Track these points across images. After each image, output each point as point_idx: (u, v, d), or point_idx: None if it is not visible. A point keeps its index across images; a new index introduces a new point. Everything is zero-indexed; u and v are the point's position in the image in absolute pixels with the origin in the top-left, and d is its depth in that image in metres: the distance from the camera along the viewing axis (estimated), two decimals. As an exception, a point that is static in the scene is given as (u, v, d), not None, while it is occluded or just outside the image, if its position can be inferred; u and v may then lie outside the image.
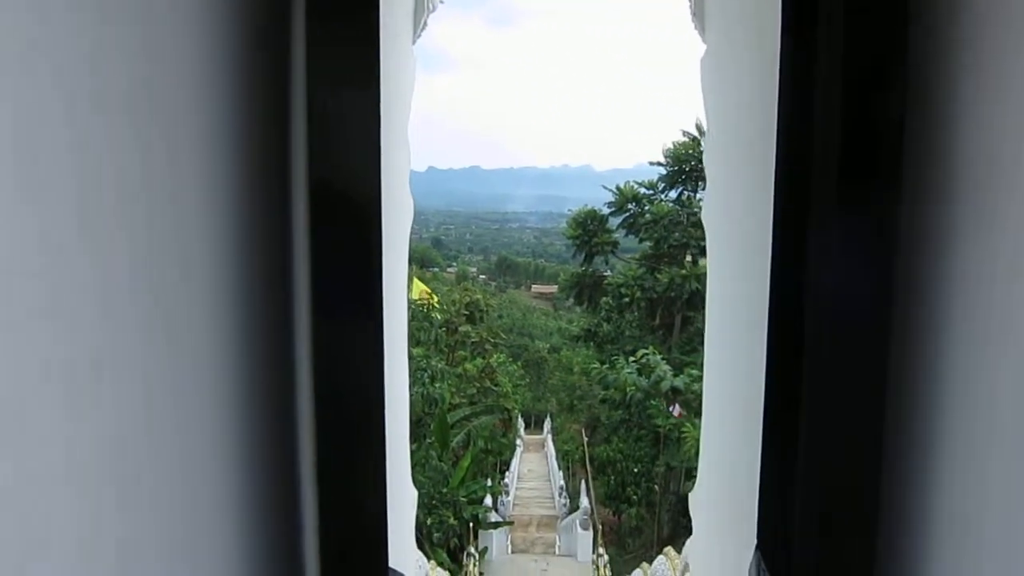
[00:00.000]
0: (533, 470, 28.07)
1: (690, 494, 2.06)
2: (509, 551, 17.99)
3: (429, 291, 11.46)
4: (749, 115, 1.66)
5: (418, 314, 8.86)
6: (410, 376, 9.21)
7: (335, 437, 1.13)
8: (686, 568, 4.53)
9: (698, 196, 22.88)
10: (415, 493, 2.10)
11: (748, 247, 1.60)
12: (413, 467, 10.59)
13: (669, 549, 5.98)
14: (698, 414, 14.52)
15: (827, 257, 1.03)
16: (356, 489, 1.16)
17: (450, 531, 10.36)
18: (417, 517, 9.89)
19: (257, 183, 1.15)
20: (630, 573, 16.29)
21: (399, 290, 1.88)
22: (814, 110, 1.04)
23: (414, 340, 8.76)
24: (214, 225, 1.01)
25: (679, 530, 17.66)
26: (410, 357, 9.59)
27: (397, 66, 1.82)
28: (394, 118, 1.78)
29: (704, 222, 1.95)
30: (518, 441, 26.31)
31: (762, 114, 1.56)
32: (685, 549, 4.69)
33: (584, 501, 18.68)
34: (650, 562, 16.64)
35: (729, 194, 1.78)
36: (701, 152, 22.39)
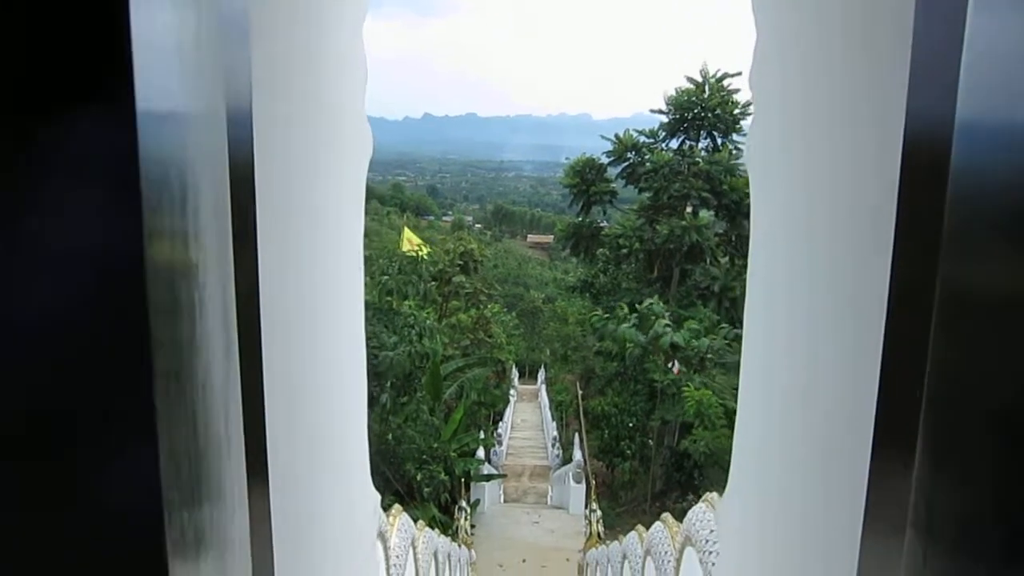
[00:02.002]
0: (527, 420, 28.23)
1: (718, 504, 1.71)
2: (502, 500, 18.08)
3: (418, 242, 10.94)
4: (822, 14, 1.22)
5: (405, 267, 8.43)
6: (397, 333, 8.87)
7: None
8: (687, 541, 4.23)
9: (700, 145, 22.21)
10: (377, 497, 1.74)
11: (819, 196, 1.18)
12: (404, 421, 10.38)
13: (667, 516, 5.70)
14: (698, 371, 14.26)
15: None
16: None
17: (440, 486, 10.17)
18: (408, 472, 9.67)
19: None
20: (622, 526, 16.37)
21: (350, 247, 1.45)
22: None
23: (401, 295, 8.36)
24: None
25: (672, 484, 17.66)
26: (397, 313, 9.24)
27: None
28: (336, 13, 1.32)
29: (748, 164, 1.51)
30: (512, 391, 26.31)
31: (844, 9, 1.12)
32: (686, 521, 4.36)
33: (577, 454, 18.67)
34: (643, 518, 16.75)
35: (787, 125, 1.34)
36: (705, 99, 21.68)
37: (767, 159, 1.44)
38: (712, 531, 3.73)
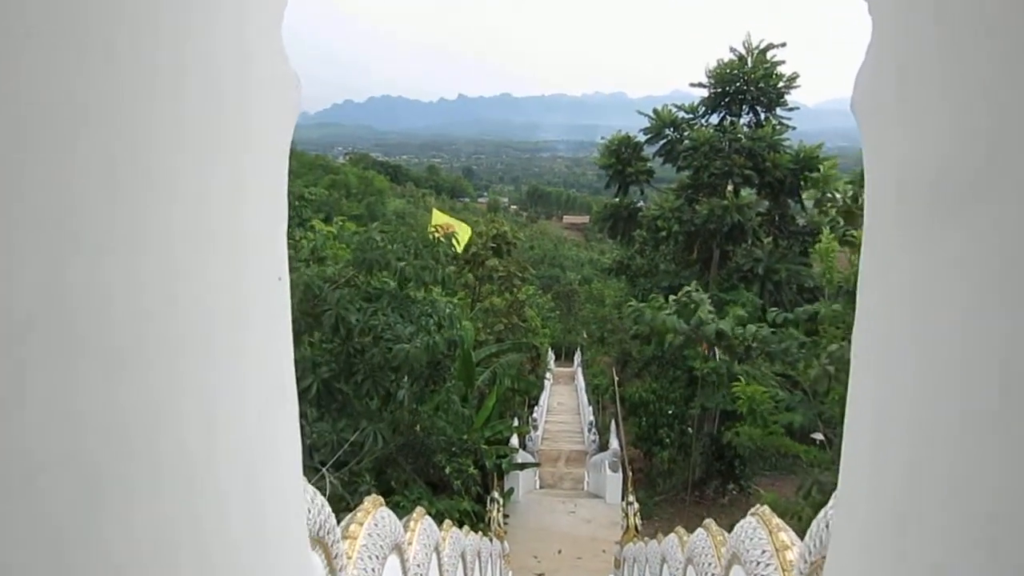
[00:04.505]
0: (563, 403, 27.97)
1: (831, 519, 1.27)
2: (537, 487, 17.80)
3: (446, 221, 10.36)
4: None
5: (422, 252, 7.92)
6: (414, 323, 8.48)
7: None
8: (734, 559, 3.76)
9: (742, 121, 21.28)
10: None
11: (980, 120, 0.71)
12: (435, 411, 10.06)
13: (710, 523, 5.26)
14: (742, 360, 13.60)
15: None
16: None
17: (471, 479, 9.84)
18: (438, 463, 9.32)
19: None
20: (660, 515, 15.94)
21: (265, 243, 1.02)
22: None
23: (419, 281, 7.92)
24: None
25: (712, 473, 17.11)
26: (413, 301, 8.83)
27: None
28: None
29: (857, 106, 1.04)
30: (547, 374, 25.95)
31: None
32: (733, 536, 3.90)
33: (614, 440, 18.25)
34: (682, 507, 16.32)
35: (926, 52, 0.86)
36: (747, 72, 20.73)
37: (886, 104, 0.97)
38: (764, 551, 3.32)
